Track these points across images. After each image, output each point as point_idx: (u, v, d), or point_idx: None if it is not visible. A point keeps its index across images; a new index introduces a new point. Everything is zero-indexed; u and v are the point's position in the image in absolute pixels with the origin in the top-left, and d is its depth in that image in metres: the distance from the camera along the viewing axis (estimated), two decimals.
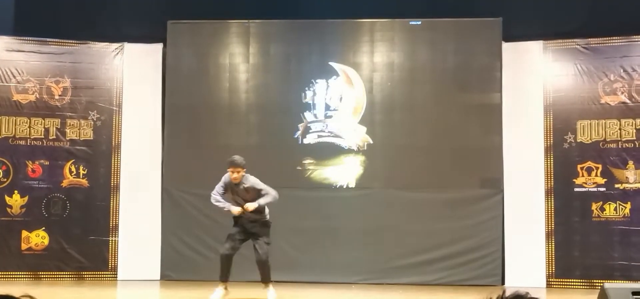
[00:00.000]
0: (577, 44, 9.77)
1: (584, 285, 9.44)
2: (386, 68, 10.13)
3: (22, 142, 9.91)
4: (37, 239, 9.89)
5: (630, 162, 9.50)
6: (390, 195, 9.93)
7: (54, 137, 9.98)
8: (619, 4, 9.73)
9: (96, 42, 10.18)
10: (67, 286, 9.47)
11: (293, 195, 9.50)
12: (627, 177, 9.52)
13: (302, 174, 10.04)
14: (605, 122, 9.61)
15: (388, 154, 10.04)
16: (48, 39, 10.05)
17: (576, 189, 9.64)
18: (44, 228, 9.90)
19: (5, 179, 9.86)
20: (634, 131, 9.50)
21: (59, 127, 10.00)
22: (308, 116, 10.12)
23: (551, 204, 9.69)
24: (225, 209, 7.86)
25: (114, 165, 10.07)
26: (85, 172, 10.02)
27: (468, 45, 10.04)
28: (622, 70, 9.59)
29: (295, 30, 10.33)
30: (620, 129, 9.56)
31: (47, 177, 9.94)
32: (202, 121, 10.24)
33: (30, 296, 2.00)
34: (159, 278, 9.94)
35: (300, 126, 10.12)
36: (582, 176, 9.65)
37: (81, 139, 10.04)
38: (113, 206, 10.02)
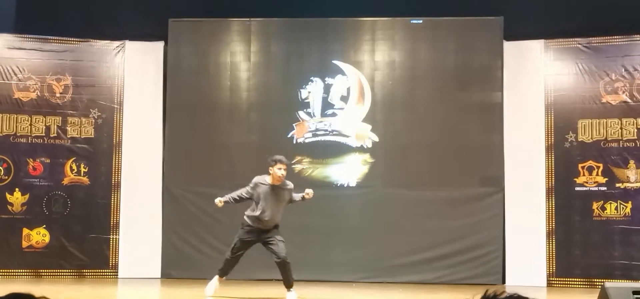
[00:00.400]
0: (579, 43, 9.76)
1: (585, 284, 9.43)
2: (387, 67, 10.13)
3: (23, 140, 9.91)
4: (38, 236, 9.90)
5: (631, 162, 9.50)
6: (391, 193, 9.93)
7: (55, 135, 9.98)
8: (620, 3, 9.72)
9: (97, 40, 10.19)
10: (68, 283, 9.45)
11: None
12: (628, 177, 9.51)
13: (302, 172, 10.03)
14: (606, 122, 9.60)
15: (389, 152, 10.03)
16: (49, 37, 10.05)
17: (577, 188, 9.64)
18: (44, 226, 9.91)
19: (7, 177, 9.86)
20: (635, 130, 9.49)
21: (60, 125, 10.00)
22: (309, 114, 10.11)
23: (552, 203, 9.68)
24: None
25: (115, 163, 10.07)
26: (86, 170, 10.03)
27: (469, 44, 10.04)
28: (623, 70, 9.58)
29: (297, 28, 10.32)
30: (621, 128, 9.55)
31: (48, 175, 9.94)
32: (203, 119, 10.23)
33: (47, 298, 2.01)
34: (159, 276, 9.94)
35: (302, 125, 10.12)
36: (583, 175, 9.64)
37: (82, 137, 10.04)
38: (114, 203, 10.03)
